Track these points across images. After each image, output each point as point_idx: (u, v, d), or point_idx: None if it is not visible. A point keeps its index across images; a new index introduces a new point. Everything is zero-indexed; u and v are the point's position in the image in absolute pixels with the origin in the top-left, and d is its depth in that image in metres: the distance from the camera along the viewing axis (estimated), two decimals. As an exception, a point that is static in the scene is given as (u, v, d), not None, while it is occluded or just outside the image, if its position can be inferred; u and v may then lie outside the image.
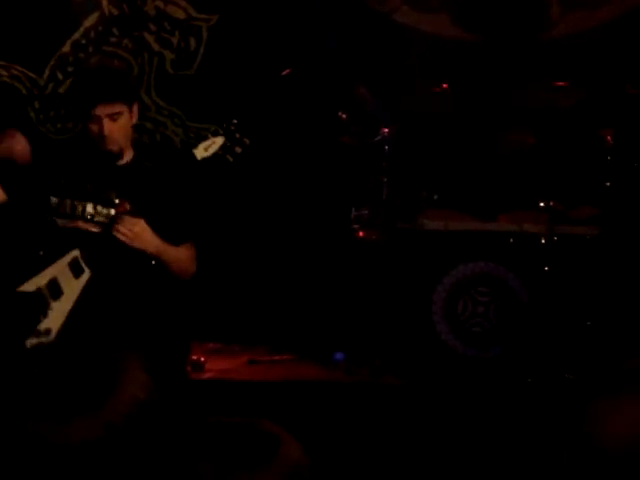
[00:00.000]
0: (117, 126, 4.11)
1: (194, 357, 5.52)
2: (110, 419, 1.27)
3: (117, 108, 4.10)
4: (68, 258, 4.10)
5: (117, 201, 4.16)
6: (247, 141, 4.22)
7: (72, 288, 4.08)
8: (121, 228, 4.05)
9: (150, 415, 1.31)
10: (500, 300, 5.70)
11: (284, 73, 6.03)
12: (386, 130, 5.90)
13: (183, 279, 4.34)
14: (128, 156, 4.27)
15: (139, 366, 1.32)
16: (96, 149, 4.19)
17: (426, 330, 5.70)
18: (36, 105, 6.46)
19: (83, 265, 4.09)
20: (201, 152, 4.10)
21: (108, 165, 4.23)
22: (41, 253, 4.13)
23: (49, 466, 1.23)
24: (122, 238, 4.06)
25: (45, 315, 3.97)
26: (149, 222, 4.14)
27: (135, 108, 4.22)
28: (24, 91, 6.43)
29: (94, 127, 4.11)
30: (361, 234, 6.00)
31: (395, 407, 5.17)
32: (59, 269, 4.09)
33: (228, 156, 4.20)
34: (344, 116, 6.01)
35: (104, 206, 4.16)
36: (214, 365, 5.75)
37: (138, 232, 4.07)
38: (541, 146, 6.01)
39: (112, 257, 4.12)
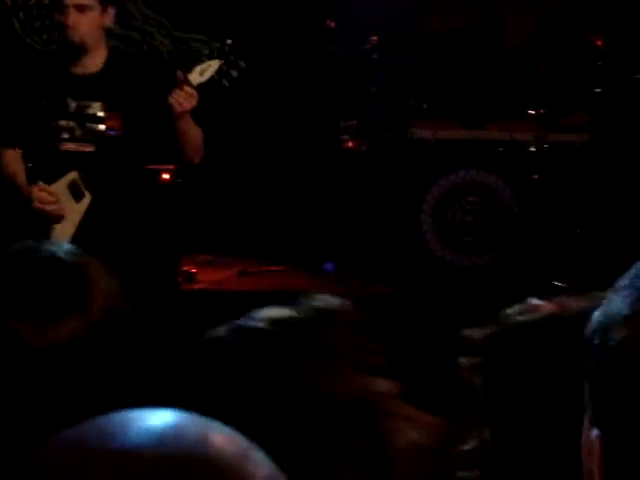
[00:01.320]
0: (84, 19, 4.05)
1: (185, 268, 5.55)
2: (92, 318, 1.27)
3: (86, 0, 4.05)
4: (65, 181, 4.08)
5: (103, 115, 4.11)
6: (242, 64, 4.14)
7: (74, 211, 4.07)
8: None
9: (122, 324, 1.31)
10: (490, 208, 5.71)
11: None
12: (374, 38, 5.83)
13: (193, 159, 4.26)
14: (99, 59, 4.18)
15: (104, 275, 1.32)
16: (71, 58, 4.14)
17: (415, 239, 5.72)
18: (21, 16, 6.37)
19: (83, 189, 4.07)
20: (196, 77, 3.99)
21: (82, 74, 4.17)
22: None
23: (28, 369, 1.23)
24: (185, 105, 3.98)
25: (48, 238, 3.97)
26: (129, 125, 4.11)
27: (110, 10, 4.15)
28: (9, 2, 6.33)
29: (62, 17, 4.06)
30: (350, 144, 5.98)
31: (386, 316, 5.22)
32: (58, 191, 4.07)
33: (224, 80, 4.14)
34: (332, 24, 5.94)
35: (92, 122, 4.12)
36: (205, 276, 5.78)
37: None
38: (532, 54, 5.97)
39: (111, 177, 4.09)
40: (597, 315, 0.99)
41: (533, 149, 5.70)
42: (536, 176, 5.66)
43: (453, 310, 5.15)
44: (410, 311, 5.28)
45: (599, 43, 5.57)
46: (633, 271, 1.00)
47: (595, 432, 0.96)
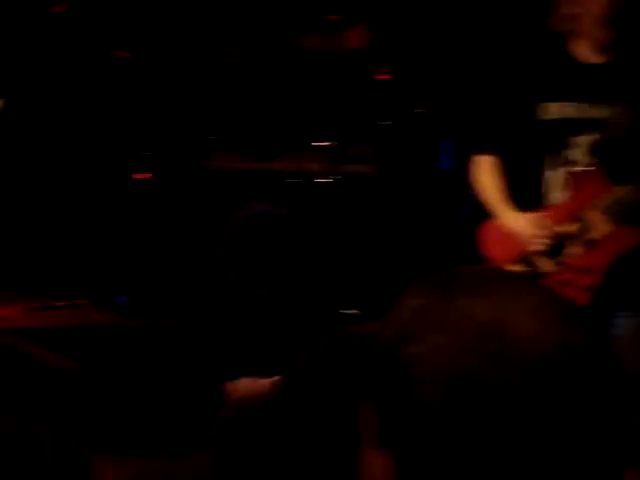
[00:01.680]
0: None
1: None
2: None
3: None
4: None
5: None
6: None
7: None
8: None
9: None
10: (282, 239, 5.77)
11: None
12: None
13: None
14: None
15: None
16: None
17: (212, 270, 5.71)
18: None
19: None
20: None
21: None
22: None
23: None
24: None
25: None
26: None
27: None
28: None
29: None
30: (144, 175, 5.92)
31: (175, 347, 5.19)
32: None
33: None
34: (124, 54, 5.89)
35: None
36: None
37: None
38: (318, 86, 6.09)
39: None
40: (385, 334, 1.01)
41: (322, 180, 5.81)
42: (325, 207, 5.76)
43: (250, 338, 5.18)
44: (205, 342, 5.26)
45: (385, 77, 5.75)
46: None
47: (383, 454, 0.98)
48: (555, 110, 3.43)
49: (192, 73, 6.13)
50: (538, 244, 3.39)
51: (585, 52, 3.45)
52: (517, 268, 3.45)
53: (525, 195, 3.51)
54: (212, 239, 5.74)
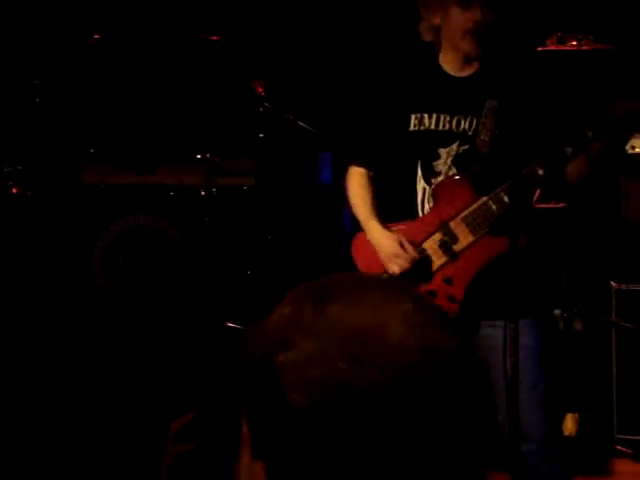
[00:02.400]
0: None
1: None
2: None
3: None
4: None
5: None
6: None
7: None
8: None
9: None
10: (161, 252, 5.72)
11: None
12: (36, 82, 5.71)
13: None
14: None
15: None
16: None
17: (87, 285, 5.63)
18: None
19: None
20: None
21: None
22: None
23: None
24: None
25: None
26: None
27: None
28: None
29: None
30: (15, 190, 5.80)
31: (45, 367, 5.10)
32: None
33: None
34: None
35: None
36: None
37: None
38: (196, 99, 6.07)
39: None
40: (258, 341, 1.01)
41: (202, 193, 5.78)
42: (206, 219, 5.74)
43: (126, 354, 5.12)
44: (84, 361, 5.19)
45: (260, 90, 5.75)
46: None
47: (258, 463, 0.97)
48: (425, 121, 3.48)
49: (66, 84, 6.03)
50: (396, 265, 3.42)
51: (450, 64, 3.50)
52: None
53: (401, 206, 3.54)
54: (88, 254, 5.65)
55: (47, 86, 5.93)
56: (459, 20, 3.39)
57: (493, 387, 3.44)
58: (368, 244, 3.53)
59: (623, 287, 4.57)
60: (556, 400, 3.82)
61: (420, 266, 3.44)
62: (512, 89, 3.41)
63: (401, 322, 0.98)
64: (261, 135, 5.84)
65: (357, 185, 3.59)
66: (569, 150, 3.33)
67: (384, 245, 3.45)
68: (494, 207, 3.37)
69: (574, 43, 5.17)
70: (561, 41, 5.20)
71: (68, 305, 5.63)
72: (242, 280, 5.77)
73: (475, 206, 3.40)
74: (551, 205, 4.97)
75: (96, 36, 5.87)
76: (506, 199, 3.34)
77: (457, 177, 3.42)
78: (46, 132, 5.85)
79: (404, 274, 3.44)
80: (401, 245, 3.42)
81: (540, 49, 5.20)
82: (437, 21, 3.45)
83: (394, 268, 3.43)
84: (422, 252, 3.44)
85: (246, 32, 6.06)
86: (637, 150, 4.63)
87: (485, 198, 3.38)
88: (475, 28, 3.36)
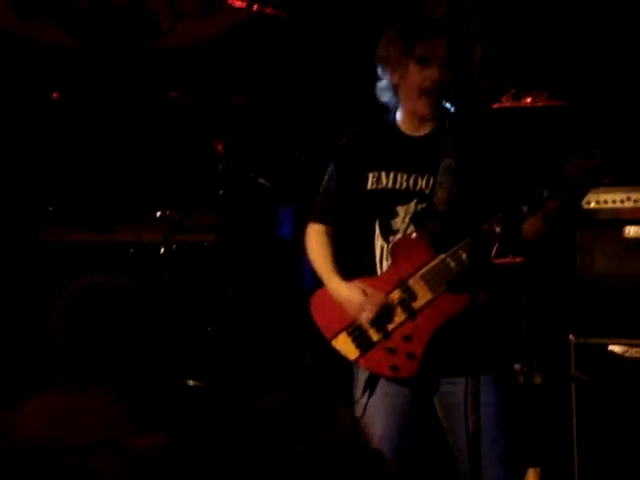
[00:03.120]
0: None
1: None
2: None
3: None
4: None
5: None
6: None
7: None
8: None
9: None
10: (121, 310, 5.69)
11: None
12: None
13: None
14: None
15: None
16: None
17: (46, 345, 5.58)
18: None
19: None
20: None
21: None
22: None
23: None
24: None
25: None
26: None
27: None
28: None
29: None
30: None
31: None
32: None
33: None
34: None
35: None
36: None
37: None
38: (155, 156, 6.08)
39: None
40: None
41: (162, 250, 5.77)
42: (166, 276, 5.72)
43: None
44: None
45: (220, 147, 5.78)
46: None
47: None
48: (383, 180, 3.51)
49: (25, 142, 6.03)
50: (366, 312, 3.43)
51: (407, 124, 3.54)
52: (345, 337, 3.49)
53: (360, 264, 3.56)
54: (46, 313, 5.61)
55: (6, 143, 5.93)
56: (417, 78, 3.43)
57: (456, 444, 3.44)
58: (327, 301, 3.53)
59: (581, 341, 4.60)
60: (517, 455, 3.83)
61: (379, 323, 3.45)
62: (467, 148, 3.45)
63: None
64: (221, 192, 5.85)
65: (316, 242, 3.61)
66: (525, 208, 3.37)
67: (349, 296, 3.46)
68: (452, 264, 3.39)
69: (529, 100, 5.25)
70: (516, 98, 5.27)
71: (26, 365, 5.57)
72: (203, 337, 5.75)
73: (433, 264, 3.42)
74: (508, 260, 5.02)
75: (55, 94, 5.88)
76: (464, 256, 3.37)
77: (415, 235, 3.45)
78: (4, 190, 5.83)
79: (367, 332, 3.45)
80: (365, 293, 3.43)
81: (495, 106, 5.27)
82: (395, 79, 3.49)
83: (364, 316, 3.43)
84: (384, 308, 3.45)
85: (206, 90, 6.10)
86: (592, 205, 4.68)
87: (443, 255, 3.41)
88: (432, 87, 3.40)
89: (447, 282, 3.40)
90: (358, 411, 3.49)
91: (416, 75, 3.43)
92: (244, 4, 5.68)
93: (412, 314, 3.42)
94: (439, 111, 3.45)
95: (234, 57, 6.46)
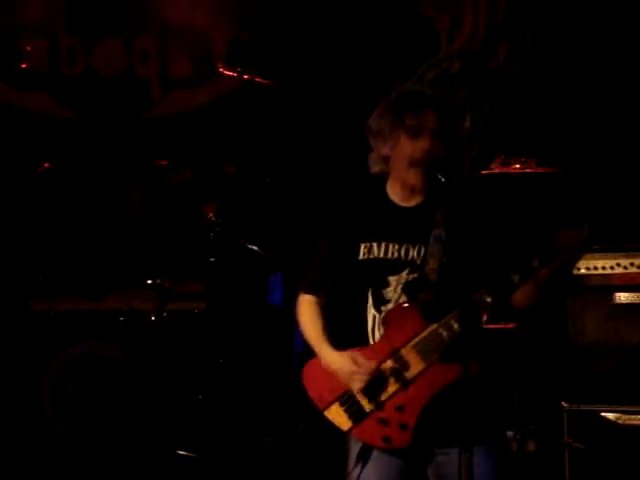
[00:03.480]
0: None
1: None
2: None
3: None
4: None
5: None
6: None
7: None
8: None
9: None
10: (111, 379, 5.66)
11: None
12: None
13: None
14: None
15: None
16: None
17: (36, 415, 5.55)
18: None
19: None
20: None
21: None
22: None
23: None
24: None
25: None
26: None
27: None
28: None
29: None
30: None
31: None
32: None
33: None
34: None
35: None
36: None
37: None
38: (145, 224, 6.10)
39: None
40: None
41: (153, 318, 5.76)
42: (156, 344, 5.71)
43: None
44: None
45: (211, 214, 5.80)
46: None
47: None
48: (374, 250, 3.52)
49: (15, 212, 6.05)
50: (357, 381, 3.42)
51: (397, 195, 3.56)
52: (337, 408, 3.48)
53: (352, 333, 3.55)
54: (36, 383, 5.58)
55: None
56: (407, 149, 3.46)
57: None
58: (319, 371, 3.52)
59: (574, 407, 4.59)
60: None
61: (371, 393, 3.43)
62: (457, 218, 3.47)
63: None
64: (212, 259, 5.86)
65: (307, 313, 3.61)
66: (516, 278, 3.38)
67: (340, 365, 3.45)
68: (444, 334, 3.39)
69: (517, 166, 5.29)
70: (505, 164, 5.32)
71: (15, 434, 5.53)
72: (193, 405, 5.72)
73: (425, 333, 3.41)
74: (501, 326, 5.02)
75: (46, 164, 5.90)
76: (456, 326, 3.36)
77: (406, 305, 3.44)
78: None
79: (360, 402, 3.44)
80: (356, 362, 3.42)
81: (484, 172, 5.30)
82: (386, 151, 3.52)
83: (356, 385, 3.42)
84: (376, 377, 3.44)
85: (198, 158, 6.13)
86: (582, 271, 4.70)
87: (435, 325, 3.40)
88: (422, 158, 3.43)
89: (440, 352, 3.39)
90: (351, 483, 3.46)
91: (407, 146, 3.46)
92: (235, 74, 5.74)
93: (405, 384, 3.41)
94: (430, 181, 3.47)
95: (225, 125, 6.50)
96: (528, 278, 3.38)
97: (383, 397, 3.43)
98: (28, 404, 5.57)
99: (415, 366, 3.41)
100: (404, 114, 3.46)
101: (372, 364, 3.41)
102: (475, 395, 3.29)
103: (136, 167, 6.09)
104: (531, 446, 4.71)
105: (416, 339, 3.42)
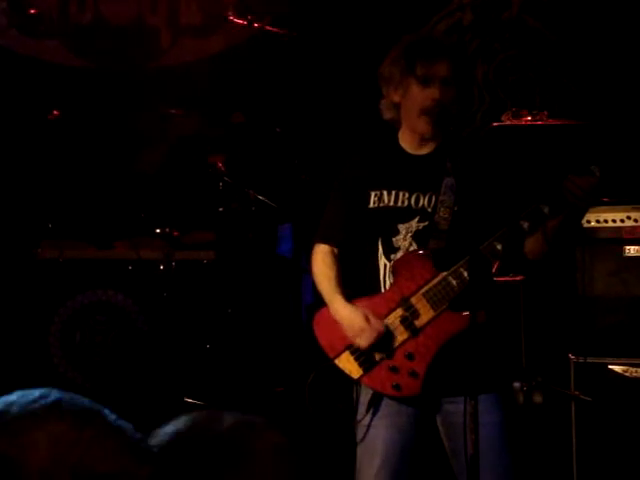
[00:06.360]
0: None
1: None
2: None
3: None
4: None
5: None
6: None
7: None
8: None
9: None
10: (119, 328, 5.67)
11: None
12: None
13: None
14: None
15: None
16: None
17: (44, 361, 5.56)
18: None
19: None
20: None
21: None
22: None
23: None
24: None
25: None
26: None
27: None
28: None
29: None
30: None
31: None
32: None
33: None
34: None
35: None
36: None
37: None
38: (155, 173, 6.08)
39: None
40: None
41: (162, 267, 5.76)
42: (165, 293, 5.71)
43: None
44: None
45: (220, 164, 5.78)
46: None
47: None
48: (385, 198, 3.51)
49: (25, 159, 6.04)
50: (364, 339, 3.42)
51: (409, 143, 3.55)
52: (348, 356, 3.48)
53: (364, 282, 3.55)
54: (44, 330, 5.59)
55: (5, 160, 5.93)
56: (418, 98, 3.44)
57: (457, 465, 3.42)
58: (330, 319, 3.52)
59: (581, 360, 4.60)
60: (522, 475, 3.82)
61: (382, 342, 3.44)
62: (468, 167, 3.46)
63: (46, 446, 0.99)
64: (220, 209, 5.85)
65: (322, 262, 3.60)
66: (526, 225, 3.37)
67: (350, 320, 3.45)
68: (454, 282, 3.39)
69: (529, 118, 5.26)
70: (516, 116, 5.29)
71: (24, 382, 5.55)
72: (201, 354, 5.73)
73: (435, 281, 3.41)
74: (509, 278, 5.01)
75: (56, 112, 5.88)
76: (465, 274, 3.36)
77: (416, 252, 3.44)
78: (3, 207, 5.82)
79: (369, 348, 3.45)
80: (367, 319, 3.42)
81: (496, 124, 5.28)
82: (397, 99, 3.50)
83: (361, 342, 3.42)
84: (385, 328, 3.45)
85: (206, 107, 6.10)
86: (592, 224, 4.69)
87: (445, 273, 3.40)
88: (432, 107, 3.41)
89: (449, 300, 3.39)
90: (360, 431, 3.48)
91: (417, 94, 3.44)
92: (245, 22, 5.69)
93: (415, 332, 3.42)
94: (440, 130, 3.45)
95: (235, 74, 6.47)
96: (538, 225, 3.37)
97: (393, 345, 3.43)
98: (36, 352, 5.58)
99: (425, 314, 3.41)
100: (415, 62, 3.44)
101: (381, 324, 3.41)
102: (483, 344, 3.30)
103: (145, 115, 6.07)
104: (538, 398, 4.72)
105: (426, 287, 3.42)
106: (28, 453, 1.00)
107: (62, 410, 1.10)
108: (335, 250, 3.60)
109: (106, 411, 1.19)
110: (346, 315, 3.46)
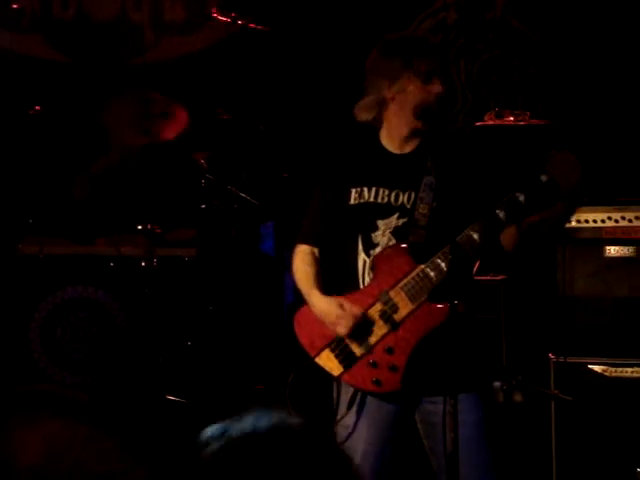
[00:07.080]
0: None
1: None
2: None
3: None
4: None
5: None
6: None
7: None
8: None
9: None
10: (100, 324, 5.66)
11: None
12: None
13: None
14: None
15: None
16: None
17: (24, 358, 5.54)
18: None
19: None
20: None
21: None
22: None
23: None
24: None
25: None
26: None
27: None
28: None
29: None
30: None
31: None
32: None
33: None
34: None
35: None
36: None
37: None
38: (140, 169, 6.06)
39: None
40: None
41: (143, 264, 5.74)
42: (146, 290, 5.70)
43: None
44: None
45: (202, 162, 5.77)
46: None
47: None
48: (365, 194, 3.52)
49: (5, 154, 6.01)
50: (343, 326, 3.42)
51: (390, 142, 3.55)
52: (328, 354, 3.49)
53: (344, 278, 3.56)
54: (24, 326, 5.57)
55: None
56: (419, 94, 3.43)
57: (437, 464, 3.42)
58: (310, 318, 3.52)
59: (561, 359, 4.61)
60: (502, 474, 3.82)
61: (361, 337, 3.44)
62: (450, 166, 3.46)
63: (39, 445, 0.99)
64: (203, 206, 5.84)
65: (301, 261, 3.61)
66: (502, 214, 3.38)
67: (326, 310, 3.45)
68: (432, 274, 3.39)
69: (511, 118, 5.27)
70: (499, 116, 5.30)
71: (3, 378, 5.53)
72: (183, 351, 5.72)
73: (413, 274, 3.41)
74: (490, 277, 5.02)
75: (37, 107, 5.86)
76: (443, 265, 3.37)
77: (395, 246, 3.45)
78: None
79: (350, 346, 3.45)
80: (341, 306, 3.42)
81: (478, 124, 5.29)
82: (390, 95, 3.48)
83: (341, 330, 3.43)
84: (364, 321, 3.44)
85: (190, 104, 6.08)
86: (573, 224, 4.70)
87: (423, 265, 3.41)
88: (433, 102, 3.42)
89: (428, 292, 3.39)
90: (342, 429, 3.48)
91: (418, 91, 3.43)
92: (228, 19, 5.68)
93: (394, 326, 3.42)
94: (423, 129, 3.46)
95: (219, 71, 6.46)
96: (514, 214, 3.38)
97: (373, 340, 3.43)
98: (16, 348, 5.56)
99: (404, 308, 3.42)
100: (414, 58, 3.43)
101: (357, 309, 3.41)
102: (463, 341, 3.30)
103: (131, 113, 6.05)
104: (518, 397, 4.73)
105: (404, 280, 3.42)
106: (19, 451, 0.99)
107: (54, 408, 1.09)
108: (315, 251, 3.61)
109: (100, 409, 1.18)
110: (323, 307, 3.47)
